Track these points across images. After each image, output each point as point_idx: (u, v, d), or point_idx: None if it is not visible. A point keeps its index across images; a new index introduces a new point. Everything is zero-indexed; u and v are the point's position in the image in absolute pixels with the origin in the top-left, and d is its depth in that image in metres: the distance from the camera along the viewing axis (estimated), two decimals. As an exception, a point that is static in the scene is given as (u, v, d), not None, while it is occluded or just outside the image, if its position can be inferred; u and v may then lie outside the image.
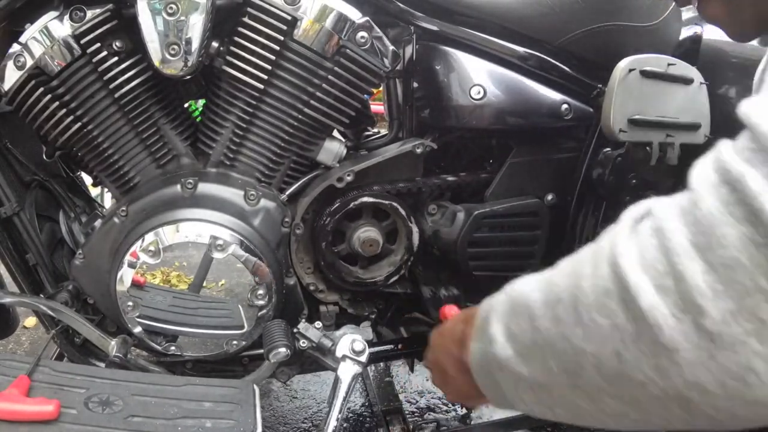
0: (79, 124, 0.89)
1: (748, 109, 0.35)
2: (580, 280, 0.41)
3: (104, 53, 0.86)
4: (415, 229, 1.04)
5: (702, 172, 0.36)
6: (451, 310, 0.82)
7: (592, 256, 0.42)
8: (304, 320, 0.94)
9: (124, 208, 0.94)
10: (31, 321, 1.81)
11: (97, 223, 0.99)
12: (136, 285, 0.92)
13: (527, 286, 0.49)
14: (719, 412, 0.35)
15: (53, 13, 0.83)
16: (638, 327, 0.36)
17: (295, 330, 0.88)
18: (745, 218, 0.32)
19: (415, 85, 1.02)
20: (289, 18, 0.85)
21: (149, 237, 0.89)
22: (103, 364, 1.04)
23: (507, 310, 0.50)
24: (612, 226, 0.44)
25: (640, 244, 0.38)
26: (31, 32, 0.83)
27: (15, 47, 0.83)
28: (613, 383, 0.39)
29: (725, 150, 0.35)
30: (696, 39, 1.07)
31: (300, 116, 0.92)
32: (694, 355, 0.34)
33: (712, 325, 0.33)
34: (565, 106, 0.98)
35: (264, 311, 0.94)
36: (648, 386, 0.37)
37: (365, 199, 1.00)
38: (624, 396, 0.40)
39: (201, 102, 1.06)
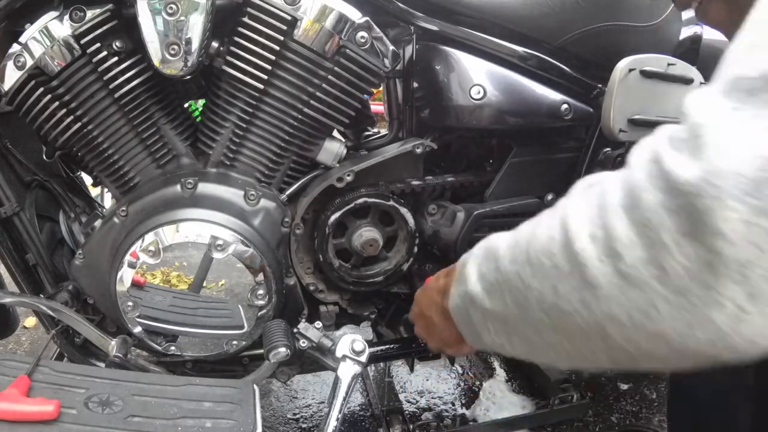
0: (79, 124, 0.89)
1: (687, 100, 0.41)
2: (536, 228, 0.49)
3: (104, 53, 0.86)
4: (414, 229, 1.04)
5: (640, 150, 0.42)
6: None
7: (551, 211, 0.50)
8: (304, 320, 0.94)
9: (124, 208, 0.94)
10: (31, 321, 1.81)
11: (97, 223, 0.99)
12: (136, 285, 0.92)
13: (500, 236, 0.56)
14: (629, 343, 0.42)
15: (53, 13, 0.83)
16: (571, 265, 0.44)
17: (295, 330, 0.88)
18: (661, 188, 0.38)
19: (415, 85, 1.02)
20: (289, 18, 0.85)
21: (149, 237, 0.89)
22: (103, 364, 1.04)
23: (480, 254, 0.58)
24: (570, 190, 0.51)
25: (586, 203, 0.45)
26: (31, 32, 0.83)
27: (15, 47, 0.83)
28: (550, 314, 0.47)
29: (660, 134, 0.41)
30: (696, 39, 1.08)
31: (300, 116, 0.92)
32: (610, 291, 0.41)
33: (626, 268, 0.40)
34: (565, 106, 0.98)
35: (264, 311, 0.94)
36: (575, 317, 0.44)
37: (364, 199, 1.00)
38: (559, 327, 0.47)
39: (201, 102, 1.06)
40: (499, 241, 0.55)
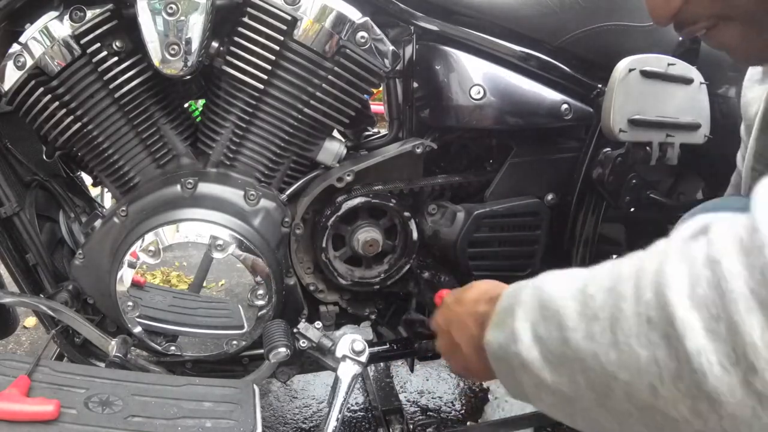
0: (79, 124, 0.89)
1: None
2: (621, 301, 0.39)
3: (104, 53, 0.86)
4: (414, 229, 1.04)
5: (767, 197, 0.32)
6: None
7: (636, 275, 0.39)
8: (304, 320, 0.94)
9: (124, 208, 0.94)
10: (31, 321, 1.81)
11: (97, 223, 0.99)
12: (136, 285, 0.92)
13: (560, 291, 0.45)
14: None
15: (53, 13, 0.83)
16: (680, 367, 0.34)
17: (295, 330, 0.88)
18: None
19: (415, 85, 1.02)
20: (289, 18, 0.85)
21: (149, 237, 0.89)
22: (103, 364, 1.04)
23: (535, 310, 0.47)
24: (662, 240, 0.41)
25: (691, 273, 0.35)
26: (31, 32, 0.83)
27: (15, 47, 0.83)
28: (644, 413, 0.38)
29: None
30: (696, 39, 1.07)
31: (300, 116, 0.92)
32: (738, 410, 0.32)
33: (763, 387, 0.31)
34: (565, 106, 0.98)
35: (264, 311, 0.94)
36: (681, 424, 0.36)
37: (364, 199, 1.00)
38: (653, 427, 0.38)
39: (201, 102, 1.06)
40: (561, 299, 0.44)
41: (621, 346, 0.38)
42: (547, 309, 0.45)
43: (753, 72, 0.80)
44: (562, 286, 0.46)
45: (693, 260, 0.35)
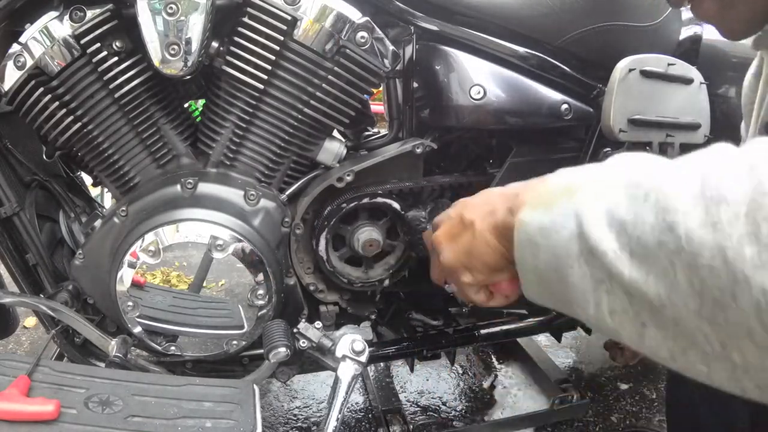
0: (79, 124, 0.89)
1: None
2: (765, 178, 0.30)
3: (104, 53, 0.86)
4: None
5: None
6: None
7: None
8: (304, 320, 0.94)
9: (124, 208, 0.94)
10: (31, 321, 1.81)
11: (97, 223, 0.99)
12: (136, 285, 0.92)
13: (662, 170, 0.36)
14: None
15: (53, 13, 0.83)
16: None
17: (295, 330, 0.88)
18: None
19: (415, 85, 1.02)
20: (289, 18, 0.85)
21: (149, 237, 0.89)
22: (103, 364, 1.04)
23: (617, 189, 0.37)
24: None
25: None
26: (31, 32, 0.83)
27: (15, 47, 0.83)
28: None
29: None
30: (696, 39, 1.08)
31: (300, 116, 0.93)
32: None
33: None
34: (565, 106, 0.98)
35: (264, 311, 0.94)
36: None
37: (364, 200, 1.00)
38: None
39: (201, 102, 1.06)
40: (664, 177, 0.36)
41: (765, 239, 0.29)
42: (639, 186, 0.36)
43: (752, 68, 0.81)
44: (660, 164, 0.37)
45: None
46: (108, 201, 1.46)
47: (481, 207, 0.55)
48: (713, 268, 0.31)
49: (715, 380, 0.34)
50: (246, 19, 0.86)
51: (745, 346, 0.31)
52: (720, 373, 0.33)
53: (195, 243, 0.90)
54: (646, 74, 0.93)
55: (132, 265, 0.90)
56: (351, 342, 0.84)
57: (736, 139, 0.86)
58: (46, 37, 0.83)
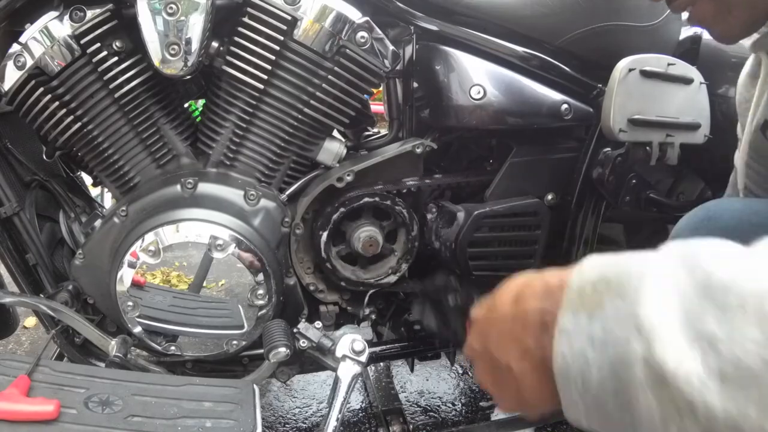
0: (79, 124, 0.89)
1: None
2: None
3: (104, 53, 0.86)
4: (414, 229, 1.04)
5: None
6: None
7: None
8: (304, 320, 0.94)
9: (124, 208, 0.94)
10: (31, 321, 1.81)
11: (97, 223, 0.99)
12: (136, 285, 0.92)
13: (755, 269, 0.29)
14: None
15: (53, 13, 0.83)
16: None
17: (295, 330, 0.88)
18: None
19: (415, 85, 1.02)
20: (289, 18, 0.86)
21: (149, 237, 0.89)
22: (103, 364, 1.04)
23: (693, 292, 0.30)
24: None
25: None
26: (31, 32, 0.83)
27: (15, 47, 0.83)
28: None
29: None
30: (696, 39, 1.08)
31: (300, 116, 0.93)
32: None
33: None
34: (565, 106, 0.98)
35: (264, 311, 0.94)
36: None
37: (366, 199, 1.00)
38: None
39: (201, 102, 1.06)
40: (752, 279, 0.28)
41: None
42: (728, 293, 0.28)
43: (748, 65, 0.81)
44: (740, 258, 0.30)
45: None
46: (108, 201, 1.46)
47: (509, 345, 0.44)
48: None
49: None
50: (246, 19, 0.86)
51: None
52: None
53: (195, 243, 0.90)
54: (646, 74, 0.93)
55: (132, 265, 0.90)
56: (351, 342, 0.84)
57: (735, 139, 0.87)
58: (46, 37, 0.83)
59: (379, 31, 0.89)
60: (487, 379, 0.49)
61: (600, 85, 1.01)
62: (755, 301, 0.27)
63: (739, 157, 0.79)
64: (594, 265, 0.37)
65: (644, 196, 1.05)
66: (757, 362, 0.26)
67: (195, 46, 0.83)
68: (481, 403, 1.49)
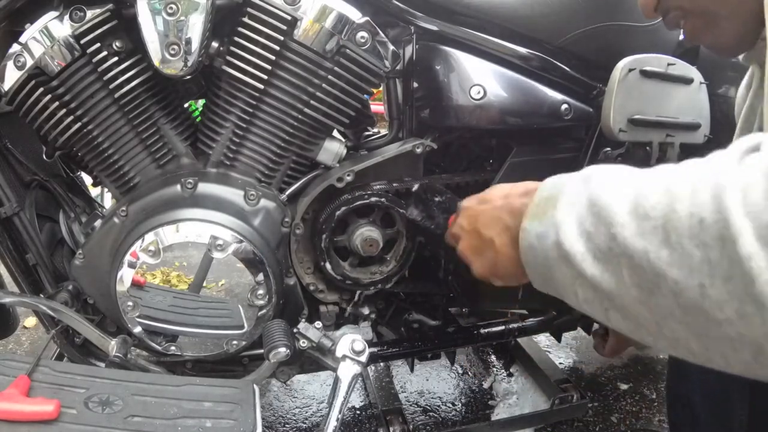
0: (79, 124, 0.89)
1: None
2: (675, 202, 0.40)
3: (104, 53, 0.86)
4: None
5: None
6: None
7: (693, 178, 0.40)
8: (304, 320, 0.94)
9: (124, 208, 0.94)
10: (31, 321, 1.81)
11: (97, 223, 0.99)
12: (136, 285, 0.92)
13: (609, 188, 0.46)
14: None
15: (53, 13, 0.83)
16: (731, 269, 0.35)
17: (295, 330, 0.88)
18: None
19: (415, 85, 1.02)
20: (289, 18, 0.86)
21: (149, 237, 0.89)
22: (103, 364, 1.04)
23: (582, 205, 0.47)
24: (718, 151, 0.42)
25: (747, 182, 0.36)
26: (31, 32, 0.83)
27: (15, 47, 0.83)
28: (688, 312, 0.39)
29: None
30: (696, 39, 1.07)
31: (300, 116, 0.93)
32: None
33: None
34: (565, 106, 0.98)
35: (264, 311, 0.94)
36: (724, 326, 0.37)
37: (367, 200, 1.00)
38: (694, 327, 0.39)
39: (201, 102, 1.06)
40: (611, 198, 0.45)
41: (673, 244, 0.39)
42: (595, 205, 0.45)
43: (745, 79, 0.81)
44: (611, 184, 0.46)
45: (748, 170, 0.37)
46: (108, 201, 1.46)
47: (494, 222, 0.62)
48: (643, 266, 0.41)
49: (662, 350, 0.44)
50: (246, 19, 0.86)
51: (672, 324, 0.41)
52: (662, 344, 0.43)
53: (195, 243, 0.90)
54: (646, 74, 0.93)
55: (132, 265, 0.90)
56: (351, 342, 0.84)
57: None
58: (46, 37, 0.83)
59: (379, 31, 0.89)
60: (470, 251, 0.67)
61: (600, 85, 1.01)
62: (605, 211, 0.44)
63: None
64: (546, 185, 0.54)
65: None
66: (605, 247, 0.44)
67: (195, 46, 0.83)
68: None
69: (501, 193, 0.64)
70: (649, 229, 0.41)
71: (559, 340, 1.48)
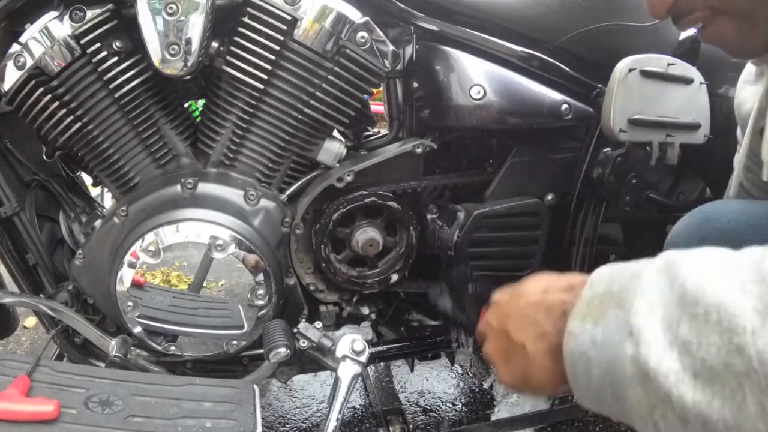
0: (79, 124, 0.89)
1: None
2: None
3: (104, 53, 0.86)
4: (414, 230, 1.04)
5: None
6: None
7: None
8: (304, 320, 0.94)
9: (124, 208, 0.94)
10: (31, 321, 1.81)
11: (97, 223, 0.99)
12: (136, 285, 0.92)
13: (721, 280, 0.35)
14: None
15: (53, 13, 0.83)
16: None
17: (295, 330, 0.88)
18: None
19: (415, 85, 1.02)
20: (289, 18, 0.86)
21: (149, 237, 0.89)
22: (103, 364, 1.04)
23: (671, 303, 0.36)
24: None
25: None
26: (31, 32, 0.83)
27: (15, 47, 0.83)
28: None
29: None
30: (696, 39, 1.07)
31: (300, 116, 0.93)
32: None
33: None
34: (565, 106, 0.98)
35: (264, 311, 0.94)
36: None
37: (366, 200, 1.00)
38: None
39: (201, 102, 1.06)
40: (724, 291, 0.34)
41: None
42: (697, 304, 0.34)
43: (746, 73, 0.81)
44: (725, 274, 0.35)
45: None
46: (108, 201, 1.46)
47: (528, 326, 0.51)
48: None
49: None
50: (246, 19, 0.86)
51: None
52: None
53: (195, 243, 0.90)
54: (646, 74, 0.93)
55: (132, 265, 0.90)
56: (351, 342, 0.85)
57: (735, 140, 0.87)
58: (46, 37, 0.83)
59: (379, 31, 0.89)
60: (496, 354, 0.56)
61: (600, 85, 1.01)
62: (716, 313, 0.33)
63: (739, 160, 0.79)
64: (602, 278, 0.43)
65: (644, 196, 1.05)
66: (719, 363, 0.33)
67: (195, 46, 0.83)
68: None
69: (539, 287, 0.52)
70: None
71: (559, 340, 1.47)
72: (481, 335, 0.60)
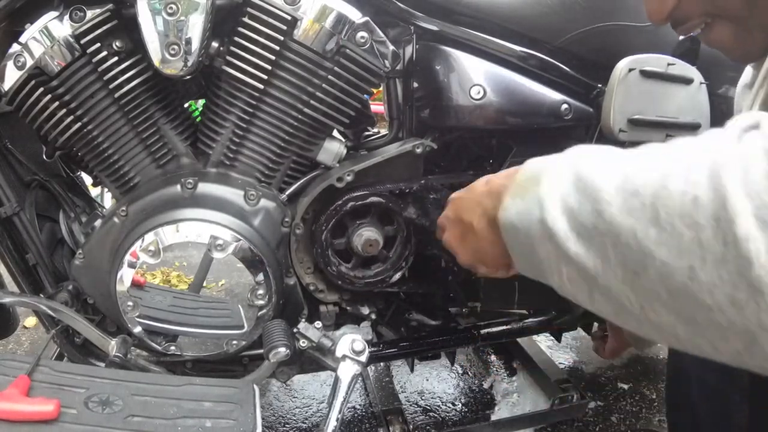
0: (79, 124, 0.89)
1: None
2: (668, 179, 0.37)
3: (104, 53, 0.86)
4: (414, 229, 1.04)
5: None
6: None
7: (687, 156, 0.38)
8: (304, 320, 0.94)
9: (124, 208, 0.94)
10: (31, 321, 1.81)
11: (97, 223, 0.99)
12: (136, 285, 0.92)
13: (598, 167, 0.44)
14: None
15: (53, 13, 0.83)
16: (726, 252, 0.33)
17: (295, 330, 0.88)
18: None
19: (415, 85, 1.02)
20: (289, 18, 0.86)
21: (149, 237, 0.89)
22: (103, 364, 1.04)
23: (568, 182, 0.45)
24: (714, 130, 0.40)
25: (747, 162, 0.34)
26: (31, 32, 0.83)
27: (15, 47, 0.83)
28: (675, 296, 0.37)
29: None
30: (696, 39, 1.07)
31: (300, 116, 0.93)
32: None
33: None
34: (565, 106, 0.98)
35: (264, 311, 0.94)
36: (714, 312, 0.35)
37: (368, 200, 1.00)
38: (681, 312, 0.37)
39: (201, 102, 1.06)
40: (599, 175, 0.43)
41: (662, 223, 0.37)
42: (581, 180, 0.44)
43: (745, 76, 0.81)
44: (599, 160, 0.45)
45: (748, 149, 0.35)
46: (108, 201, 1.46)
47: (474, 207, 0.62)
48: (629, 245, 0.39)
49: (646, 335, 0.42)
50: (246, 19, 0.86)
51: (657, 308, 0.39)
52: (647, 329, 0.42)
53: (195, 243, 0.90)
54: (646, 74, 0.93)
55: (132, 265, 0.90)
56: (351, 342, 0.85)
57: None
58: (46, 37, 0.83)
59: (379, 31, 0.89)
60: (453, 239, 0.67)
61: (600, 85, 1.01)
62: (591, 187, 0.43)
63: None
64: (532, 165, 0.53)
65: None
66: (590, 224, 0.42)
67: (195, 46, 0.83)
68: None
69: (484, 180, 0.63)
70: (637, 206, 0.39)
71: (559, 340, 1.48)
72: (441, 227, 0.72)
